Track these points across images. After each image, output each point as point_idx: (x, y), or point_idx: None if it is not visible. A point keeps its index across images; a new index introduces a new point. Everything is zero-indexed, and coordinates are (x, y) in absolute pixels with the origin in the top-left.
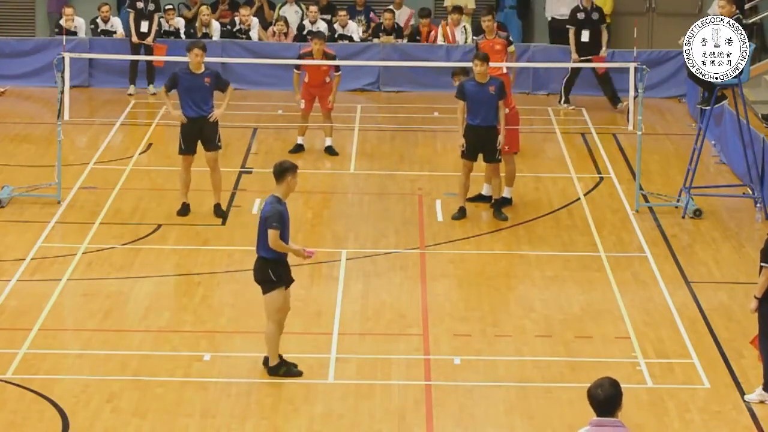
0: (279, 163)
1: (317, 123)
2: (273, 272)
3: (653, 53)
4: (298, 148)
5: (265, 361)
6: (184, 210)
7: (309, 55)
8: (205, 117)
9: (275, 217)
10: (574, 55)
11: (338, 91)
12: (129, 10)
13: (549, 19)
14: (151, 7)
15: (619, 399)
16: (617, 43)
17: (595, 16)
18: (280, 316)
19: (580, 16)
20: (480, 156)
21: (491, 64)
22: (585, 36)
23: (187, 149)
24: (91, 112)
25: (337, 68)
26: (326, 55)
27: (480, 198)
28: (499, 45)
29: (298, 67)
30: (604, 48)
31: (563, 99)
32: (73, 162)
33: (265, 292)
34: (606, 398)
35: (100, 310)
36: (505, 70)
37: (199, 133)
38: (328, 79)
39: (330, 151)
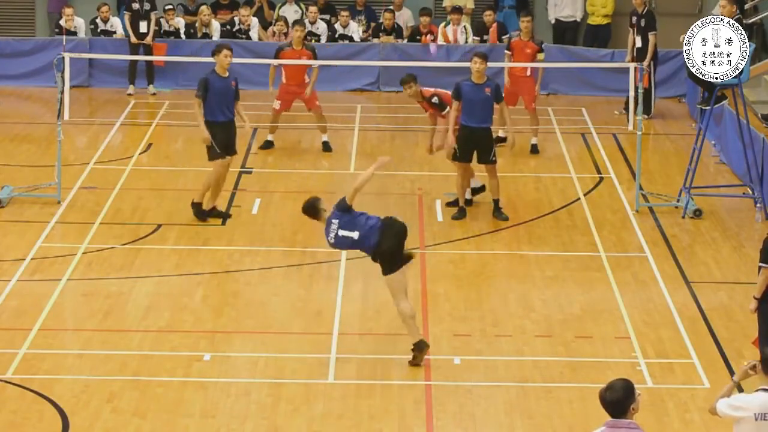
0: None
1: (313, 123)
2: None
3: None
4: (269, 145)
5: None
6: (218, 213)
7: (288, 46)
8: (233, 121)
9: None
10: (627, 58)
11: (338, 91)
12: (126, 12)
13: (552, 21)
14: (147, 6)
15: (627, 402)
16: (618, 43)
17: (642, 22)
18: (403, 294)
19: (633, 20)
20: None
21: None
22: (638, 42)
23: (227, 151)
24: (91, 112)
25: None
26: (306, 47)
27: (479, 190)
28: (529, 49)
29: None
30: (645, 60)
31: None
32: (73, 162)
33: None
34: (612, 401)
35: (100, 310)
36: (529, 73)
37: (231, 137)
38: (307, 79)
39: (326, 147)
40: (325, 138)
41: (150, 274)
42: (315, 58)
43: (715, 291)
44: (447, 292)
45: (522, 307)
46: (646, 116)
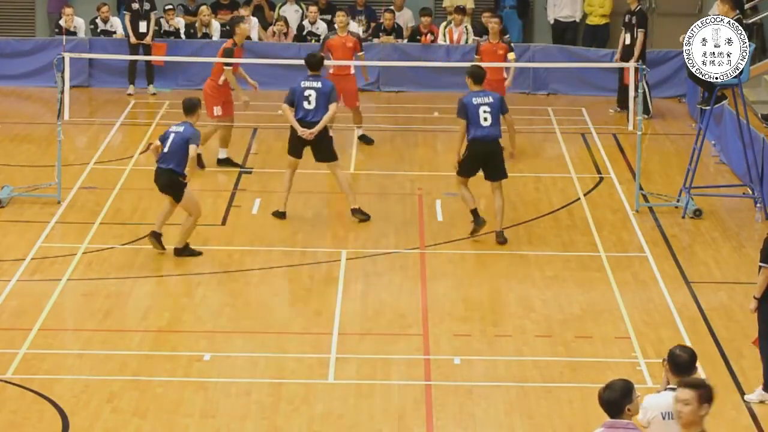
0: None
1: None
2: None
3: (653, 53)
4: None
5: None
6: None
7: (334, 34)
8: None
9: None
10: (617, 56)
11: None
12: (125, 12)
13: (552, 21)
14: (147, 6)
15: (622, 402)
16: (616, 43)
17: (634, 19)
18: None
19: (626, 18)
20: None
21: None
22: (627, 39)
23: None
24: (91, 112)
25: (360, 49)
26: (350, 33)
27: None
28: (501, 50)
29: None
30: (633, 58)
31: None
32: (73, 162)
33: None
34: (608, 400)
35: (100, 310)
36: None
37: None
38: (352, 71)
39: (365, 139)
40: (361, 131)
41: (150, 274)
42: (360, 44)
43: (715, 291)
44: (447, 292)
45: (522, 307)
46: (645, 116)
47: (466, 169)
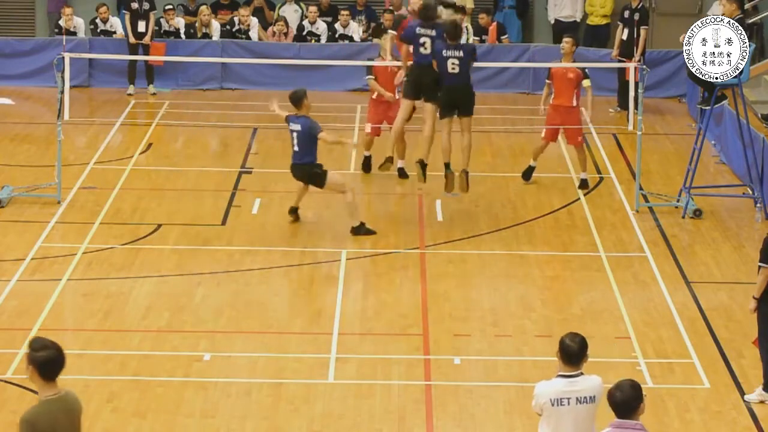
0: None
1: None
2: None
3: (653, 53)
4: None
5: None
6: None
7: (379, 57)
8: None
9: None
10: (614, 52)
11: (338, 91)
12: (125, 12)
13: (552, 21)
14: (146, 6)
15: (636, 402)
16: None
17: (636, 16)
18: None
19: (626, 14)
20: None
21: None
22: (624, 34)
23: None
24: (91, 112)
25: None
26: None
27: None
28: (572, 74)
29: (370, 71)
30: (636, 54)
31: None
32: (73, 162)
33: None
34: (622, 401)
35: (100, 310)
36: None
37: None
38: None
39: (402, 173)
40: (401, 164)
41: (150, 274)
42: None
43: (715, 291)
44: (447, 292)
45: (522, 307)
46: (620, 110)
47: (445, 110)
